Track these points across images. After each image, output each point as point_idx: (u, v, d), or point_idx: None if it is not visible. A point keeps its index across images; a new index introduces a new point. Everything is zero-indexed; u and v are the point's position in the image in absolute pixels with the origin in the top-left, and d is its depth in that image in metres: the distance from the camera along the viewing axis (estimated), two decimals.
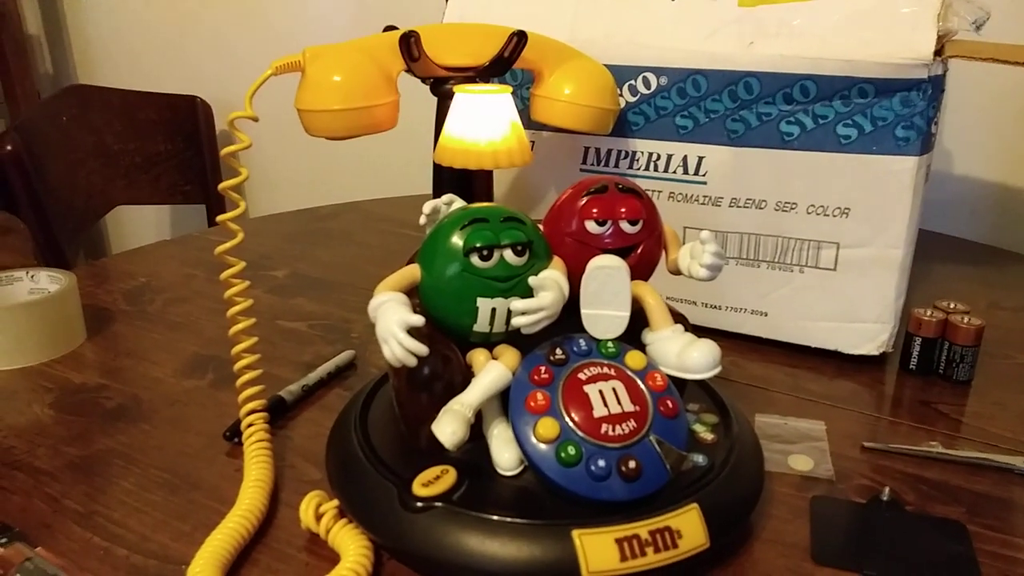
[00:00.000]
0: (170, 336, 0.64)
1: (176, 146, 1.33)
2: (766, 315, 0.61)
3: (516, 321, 0.38)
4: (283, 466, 0.47)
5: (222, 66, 1.40)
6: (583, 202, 0.42)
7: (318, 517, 0.40)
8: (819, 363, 0.60)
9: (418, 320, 0.36)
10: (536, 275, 0.39)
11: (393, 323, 0.36)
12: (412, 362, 0.36)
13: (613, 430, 0.37)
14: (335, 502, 0.40)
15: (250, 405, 0.47)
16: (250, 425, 0.47)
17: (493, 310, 0.39)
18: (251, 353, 0.48)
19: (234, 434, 0.49)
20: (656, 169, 0.62)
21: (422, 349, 0.36)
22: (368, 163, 1.29)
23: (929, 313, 0.57)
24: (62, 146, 1.15)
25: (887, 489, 0.44)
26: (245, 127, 0.44)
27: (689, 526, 0.36)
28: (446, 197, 0.44)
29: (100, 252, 1.71)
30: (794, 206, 0.58)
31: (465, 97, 0.51)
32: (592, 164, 0.65)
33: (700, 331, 0.41)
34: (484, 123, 0.50)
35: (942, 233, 0.88)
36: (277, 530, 0.41)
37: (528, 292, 0.39)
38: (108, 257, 0.85)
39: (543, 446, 0.36)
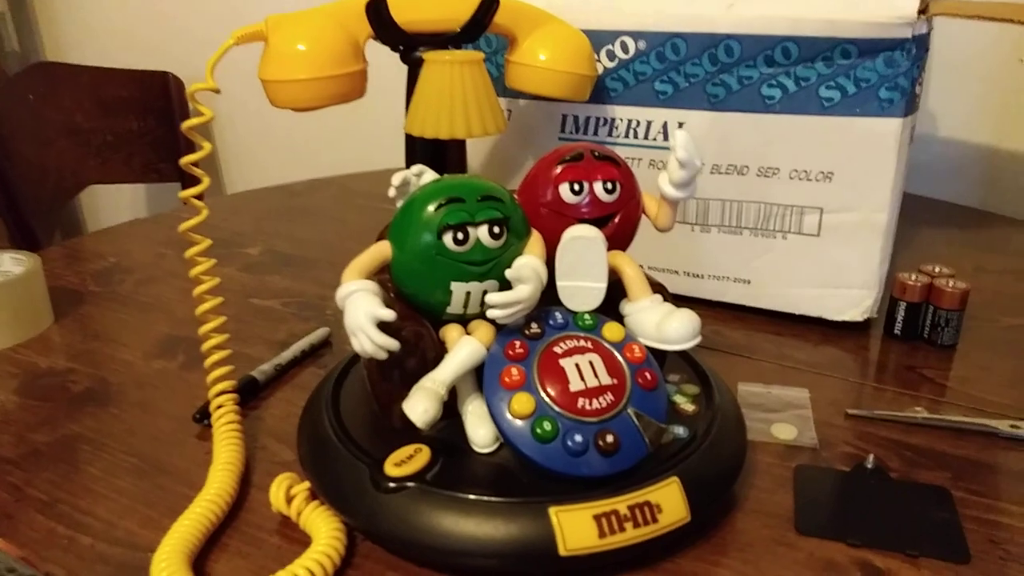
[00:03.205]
0: (140, 317, 0.63)
1: (148, 124, 1.30)
2: (749, 283, 0.60)
3: (491, 314, 0.36)
4: (255, 448, 0.45)
5: (193, 41, 1.36)
6: (558, 170, 0.41)
7: (289, 499, 0.39)
8: (803, 330, 0.59)
9: (388, 315, 0.35)
10: (514, 258, 0.38)
11: (362, 316, 0.34)
12: (382, 356, 0.35)
13: (590, 404, 0.36)
14: (306, 484, 0.39)
15: (219, 386, 0.46)
16: (219, 407, 0.46)
17: (468, 294, 0.37)
18: (220, 333, 0.47)
19: (204, 416, 0.47)
20: (636, 136, 0.60)
21: (392, 344, 0.34)
22: (347, 136, 1.26)
23: (914, 278, 0.56)
24: (30, 125, 1.12)
25: (871, 456, 0.43)
26: (218, 102, 0.43)
27: (669, 500, 0.35)
28: (415, 168, 0.42)
29: (76, 233, 1.67)
30: (776, 171, 0.57)
31: (435, 64, 0.49)
32: (570, 132, 0.63)
33: (682, 300, 0.40)
34: (455, 90, 0.48)
35: (926, 196, 0.88)
36: (248, 514, 0.40)
37: (505, 277, 0.38)
38: (78, 237, 0.83)
39: (518, 422, 0.35)
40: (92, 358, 0.56)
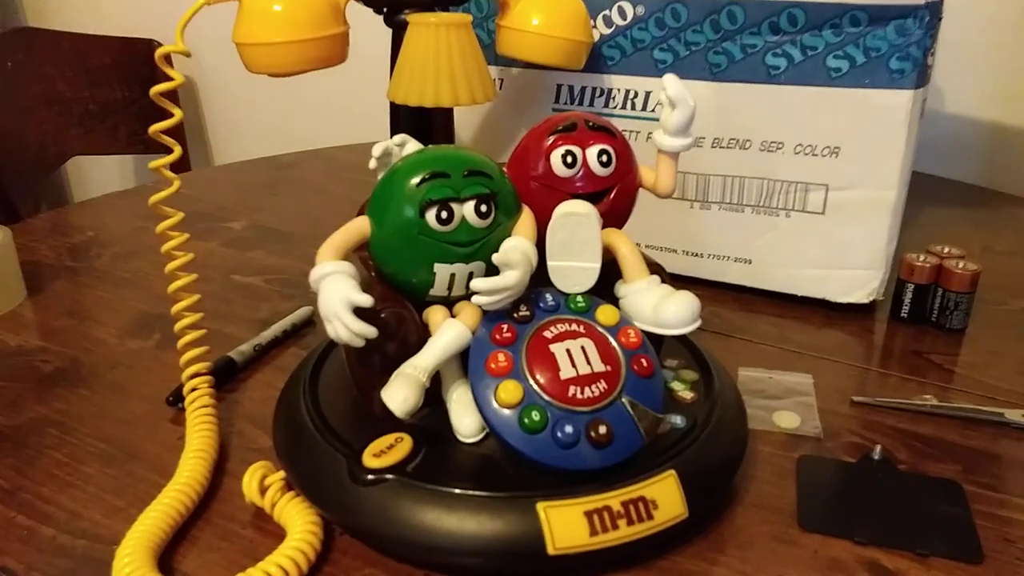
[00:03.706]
0: (117, 293, 0.60)
1: (133, 93, 1.26)
2: (750, 262, 0.58)
3: (476, 300, 0.34)
4: (230, 433, 0.43)
5: (180, 6, 1.32)
6: (550, 141, 0.38)
7: (263, 490, 0.37)
8: (806, 312, 0.57)
9: (365, 300, 0.32)
10: (503, 238, 0.35)
11: (337, 301, 0.32)
12: (358, 343, 0.32)
13: (581, 392, 0.33)
14: (281, 473, 0.37)
15: (193, 368, 0.44)
16: (193, 390, 0.43)
17: (452, 275, 0.35)
18: (195, 311, 0.45)
19: (178, 399, 0.45)
20: (634, 107, 0.58)
21: (369, 332, 0.32)
22: (340, 107, 1.23)
23: (922, 258, 0.54)
24: (8, 94, 1.08)
25: (878, 447, 0.41)
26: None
27: (665, 495, 0.33)
28: (398, 138, 0.40)
29: (62, 205, 1.64)
30: (780, 146, 0.54)
31: (420, 27, 0.46)
32: (565, 103, 0.60)
33: (680, 280, 0.38)
34: (441, 55, 0.45)
35: (932, 174, 0.85)
36: (220, 504, 0.38)
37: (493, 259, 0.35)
38: (55, 210, 0.80)
39: (505, 411, 0.33)
40: (64, 336, 0.54)
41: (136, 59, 1.25)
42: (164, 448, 0.42)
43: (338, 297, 0.32)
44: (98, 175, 1.57)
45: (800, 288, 0.57)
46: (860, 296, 0.56)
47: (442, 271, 0.35)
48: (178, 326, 0.44)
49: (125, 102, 1.27)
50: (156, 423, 0.44)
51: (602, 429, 0.33)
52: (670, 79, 0.38)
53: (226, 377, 0.48)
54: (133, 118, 1.27)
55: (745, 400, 0.43)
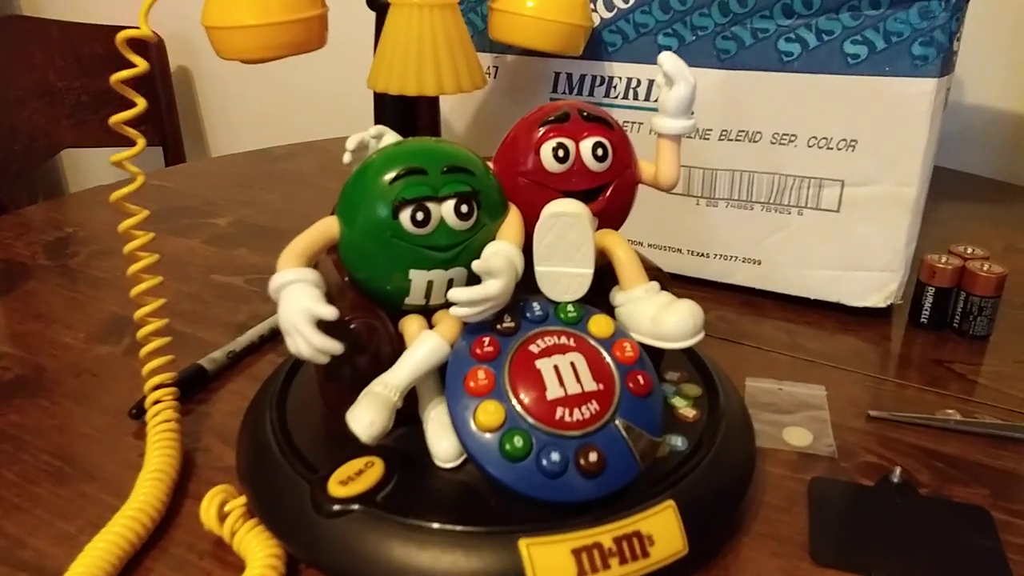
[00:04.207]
0: (90, 295, 0.57)
1: (127, 83, 1.23)
2: (759, 263, 0.54)
3: (455, 312, 0.31)
4: (196, 450, 0.40)
5: None
6: (540, 133, 0.35)
7: (223, 517, 0.33)
8: (818, 317, 0.53)
9: (328, 312, 0.29)
10: (486, 242, 0.32)
11: (297, 314, 0.29)
12: (322, 360, 0.29)
13: (570, 415, 0.30)
14: (243, 499, 0.34)
15: (156, 379, 0.41)
16: (157, 402, 0.40)
17: (430, 283, 0.32)
18: (164, 315, 0.41)
19: (141, 412, 0.42)
20: (636, 97, 0.54)
21: (333, 347, 0.29)
22: (343, 97, 1.19)
23: (944, 260, 0.50)
24: None
25: (898, 469, 0.38)
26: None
27: (663, 529, 0.30)
28: (374, 130, 0.36)
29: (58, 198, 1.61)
30: (793, 138, 0.50)
31: (402, 8, 0.43)
32: (563, 92, 0.57)
33: (685, 281, 0.35)
34: (424, 39, 0.42)
35: (950, 168, 0.81)
36: (179, 531, 0.35)
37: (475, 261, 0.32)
38: (34, 205, 0.77)
39: (485, 436, 0.30)
40: (29, 341, 0.51)
41: (130, 49, 1.22)
42: (123, 466, 0.39)
43: (299, 309, 0.29)
44: (95, 166, 1.54)
45: (812, 291, 0.53)
46: (877, 300, 0.52)
47: (418, 278, 0.32)
48: (141, 333, 0.41)
49: (118, 93, 1.24)
50: (117, 438, 0.41)
51: (592, 456, 0.29)
52: (666, 55, 0.35)
53: (196, 387, 0.45)
54: (126, 110, 1.24)
55: (752, 414, 0.39)
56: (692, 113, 0.36)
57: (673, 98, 0.35)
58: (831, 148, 0.50)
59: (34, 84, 1.14)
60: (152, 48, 1.22)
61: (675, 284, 0.36)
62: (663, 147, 0.36)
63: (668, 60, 0.35)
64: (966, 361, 0.49)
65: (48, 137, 1.16)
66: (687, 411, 0.36)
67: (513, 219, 0.33)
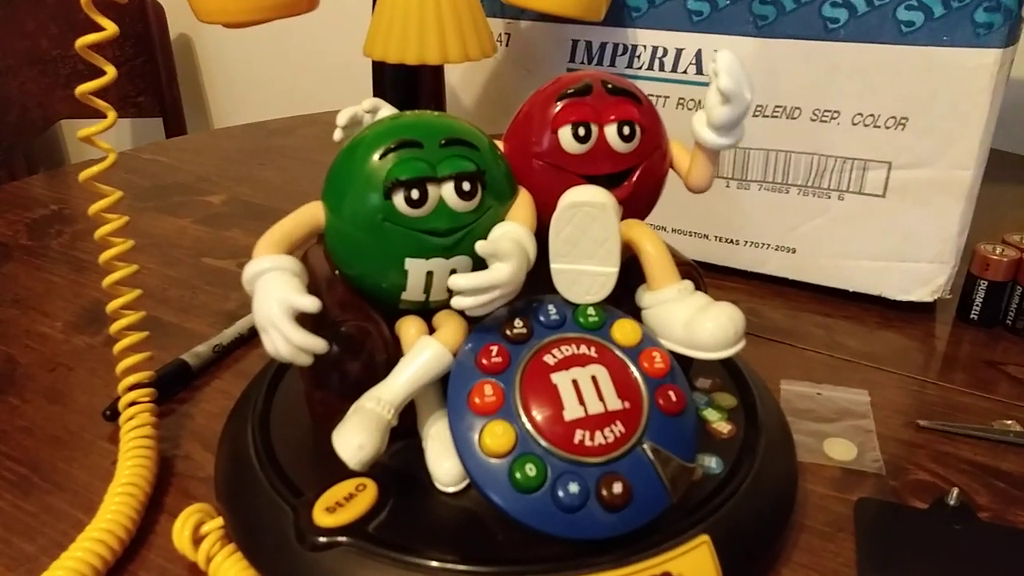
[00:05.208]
0: (71, 278, 0.53)
1: (125, 52, 1.18)
2: (794, 252, 0.50)
3: (457, 302, 0.26)
4: (175, 457, 0.36)
5: None
6: (558, 108, 0.30)
7: (199, 540, 0.30)
8: (858, 311, 0.49)
9: (309, 303, 0.25)
10: (492, 226, 0.28)
11: (274, 305, 0.25)
12: (304, 361, 0.25)
13: (591, 439, 0.26)
14: (220, 520, 0.30)
15: (131, 378, 0.37)
16: (132, 403, 0.37)
17: (429, 274, 0.28)
18: (137, 309, 0.38)
19: (115, 413, 0.38)
20: (662, 68, 0.49)
21: (316, 345, 0.25)
22: (341, 68, 1.14)
23: (999, 251, 0.46)
24: None
25: (955, 491, 0.33)
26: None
27: (696, 568, 0.26)
28: (368, 103, 0.32)
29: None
30: (836, 115, 0.46)
31: None
32: (582, 62, 0.52)
33: (713, 270, 0.30)
34: (427, 2, 0.37)
35: (999, 149, 0.75)
36: (151, 552, 0.31)
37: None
38: (19, 181, 0.73)
39: (492, 462, 0.26)
40: (3, 330, 0.47)
41: (128, 16, 1.17)
42: (94, 475, 0.35)
43: (275, 300, 0.25)
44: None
45: (853, 283, 0.49)
46: (923, 294, 0.48)
47: (416, 268, 0.28)
48: (115, 327, 0.37)
49: (116, 62, 1.18)
50: (90, 441, 0.38)
51: (617, 487, 0.25)
52: (726, 61, 0.29)
53: (178, 384, 0.41)
54: (124, 79, 1.20)
55: (790, 423, 0.35)
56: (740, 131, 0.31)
57: (724, 115, 0.29)
58: (878, 126, 0.45)
59: (26, 52, 1.09)
60: (152, 14, 1.17)
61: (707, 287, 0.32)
62: (699, 154, 0.32)
63: (726, 72, 0.29)
64: (1021, 363, 0.44)
65: (42, 108, 1.12)
66: (721, 426, 0.32)
67: (524, 202, 0.29)
